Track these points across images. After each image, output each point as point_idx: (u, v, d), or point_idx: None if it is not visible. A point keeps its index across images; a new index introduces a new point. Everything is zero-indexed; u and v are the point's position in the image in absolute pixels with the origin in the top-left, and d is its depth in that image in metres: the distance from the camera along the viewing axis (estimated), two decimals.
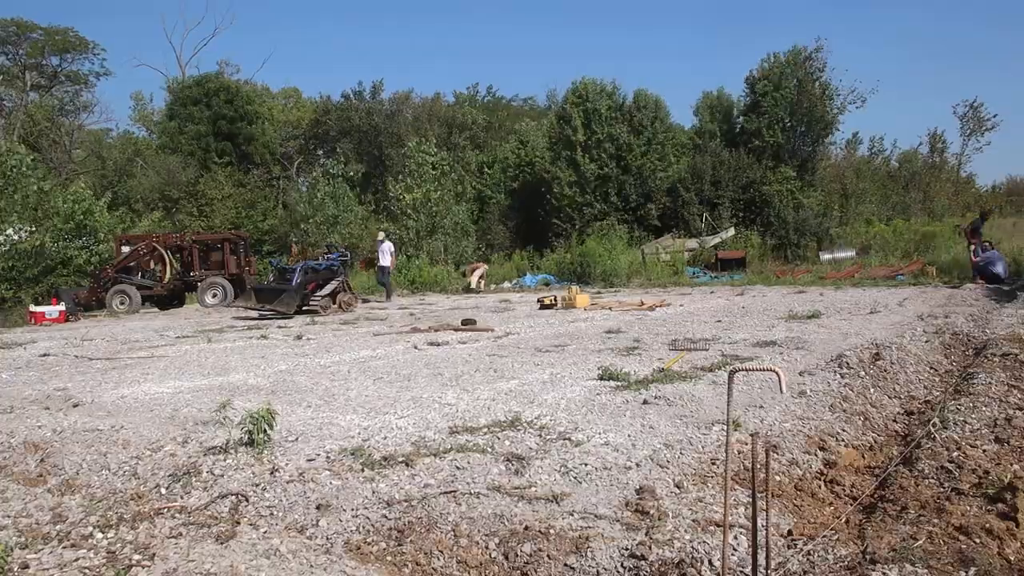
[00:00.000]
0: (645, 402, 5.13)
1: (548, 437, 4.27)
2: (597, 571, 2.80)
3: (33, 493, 3.54)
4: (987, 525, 3.07)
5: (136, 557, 2.75)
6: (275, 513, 3.24)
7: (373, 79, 44.14)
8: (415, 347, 8.78)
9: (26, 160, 20.11)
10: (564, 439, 4.21)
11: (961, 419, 4.79)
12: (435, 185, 28.42)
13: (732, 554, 2.81)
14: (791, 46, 30.40)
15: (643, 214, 30.18)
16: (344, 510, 3.24)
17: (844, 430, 4.67)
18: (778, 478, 3.78)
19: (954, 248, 23.24)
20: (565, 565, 2.84)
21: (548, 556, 2.88)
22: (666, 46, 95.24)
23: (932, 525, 3.11)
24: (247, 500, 3.37)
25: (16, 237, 18.69)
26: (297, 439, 4.33)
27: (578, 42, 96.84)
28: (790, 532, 3.15)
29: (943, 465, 3.89)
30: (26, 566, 2.66)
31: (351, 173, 32.59)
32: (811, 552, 2.91)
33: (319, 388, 6.10)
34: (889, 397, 5.76)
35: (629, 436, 4.24)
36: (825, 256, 24.71)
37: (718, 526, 3.03)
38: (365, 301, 17.72)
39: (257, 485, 3.53)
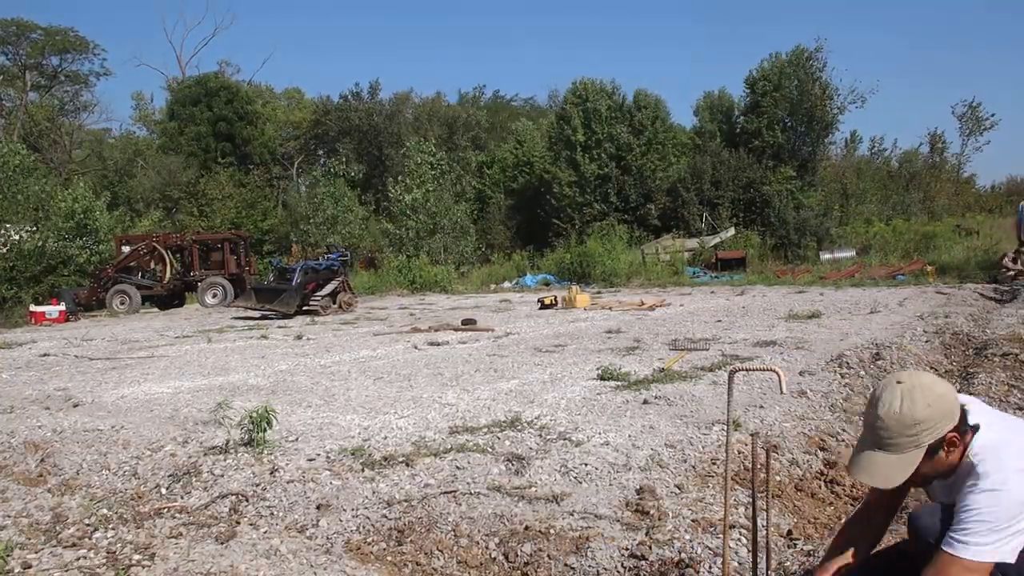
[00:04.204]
0: (645, 402, 5.13)
1: (548, 437, 4.27)
2: (597, 571, 2.80)
3: (33, 493, 3.54)
4: None
5: (136, 557, 2.75)
6: (275, 513, 3.24)
7: (372, 79, 44.21)
8: (415, 347, 8.78)
9: (27, 161, 20.13)
10: (564, 439, 4.21)
11: None
12: (434, 185, 28.42)
13: (732, 554, 2.81)
14: (792, 46, 30.42)
15: (643, 214, 30.19)
16: (344, 510, 3.24)
17: (844, 430, 4.66)
18: (778, 478, 3.78)
19: (953, 248, 23.26)
20: (565, 565, 2.84)
21: (548, 556, 2.88)
22: (666, 46, 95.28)
23: None
24: (247, 500, 3.37)
25: (17, 237, 18.70)
26: (297, 439, 4.33)
27: (579, 41, 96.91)
28: (790, 532, 3.14)
29: None
30: (27, 566, 2.66)
31: (352, 173, 32.54)
32: (811, 552, 2.91)
33: (319, 388, 6.10)
34: None
35: (629, 436, 4.24)
36: (825, 256, 24.71)
37: (718, 526, 3.03)
38: None
39: (257, 485, 3.53)
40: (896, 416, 1.97)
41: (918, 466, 2.00)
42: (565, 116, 31.67)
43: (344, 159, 34.01)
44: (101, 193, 25.70)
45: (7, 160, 19.08)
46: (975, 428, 2.07)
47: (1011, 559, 1.92)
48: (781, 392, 2.15)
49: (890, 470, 2.00)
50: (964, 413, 2.05)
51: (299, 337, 10.29)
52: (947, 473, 2.08)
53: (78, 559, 2.74)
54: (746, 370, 2.76)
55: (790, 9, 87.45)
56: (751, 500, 2.64)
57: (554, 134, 32.57)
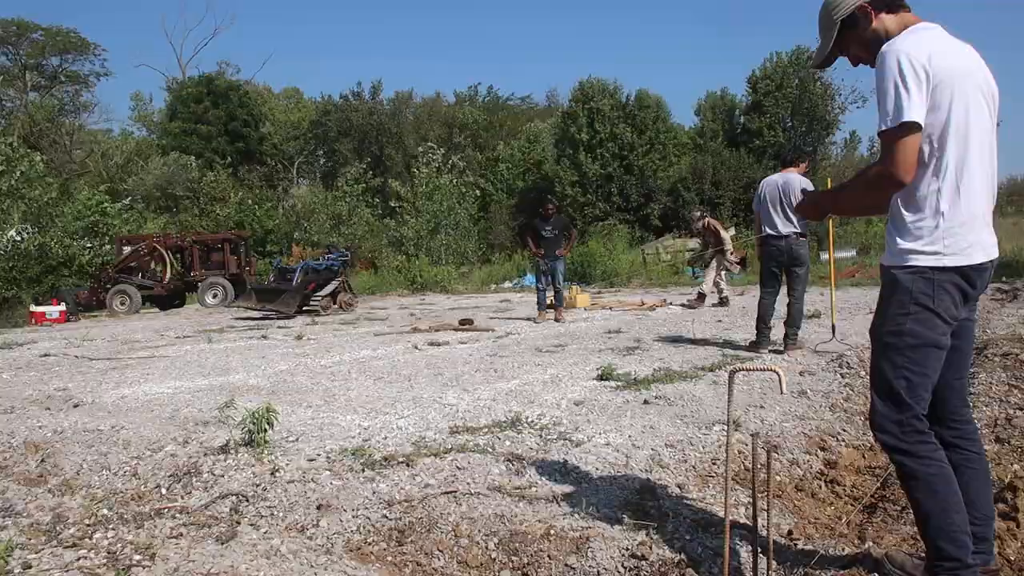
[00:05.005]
0: (645, 402, 5.13)
1: (548, 437, 4.27)
2: (598, 571, 2.80)
3: (33, 493, 3.54)
4: None
5: (137, 557, 2.75)
6: (275, 513, 3.24)
7: (373, 79, 44.18)
8: (415, 347, 8.78)
9: (38, 167, 20.10)
10: (564, 439, 4.21)
11: None
12: (440, 182, 28.55)
13: (732, 554, 2.81)
14: (793, 46, 30.45)
15: (644, 214, 30.20)
16: (344, 510, 3.24)
17: (845, 430, 4.66)
18: (779, 478, 3.78)
19: None
20: (566, 565, 2.84)
21: (548, 556, 2.88)
22: (666, 47, 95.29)
23: None
24: (247, 500, 3.37)
25: (19, 238, 18.70)
26: (297, 439, 4.33)
27: (578, 42, 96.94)
28: (791, 532, 3.14)
29: None
30: (28, 566, 2.66)
31: (366, 182, 32.51)
32: (811, 552, 2.91)
33: (319, 388, 6.10)
34: None
35: (630, 436, 4.24)
36: (824, 256, 24.72)
37: (719, 526, 3.03)
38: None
39: (257, 485, 3.53)
40: (820, 10, 2.43)
41: (849, 39, 2.40)
42: (572, 115, 31.70)
43: (365, 169, 33.88)
44: (120, 197, 25.72)
45: (17, 165, 19.04)
46: (900, 8, 2.38)
47: (920, 119, 2.16)
48: (781, 392, 2.16)
49: (818, 52, 2.50)
50: None
51: (299, 337, 10.29)
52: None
53: (78, 559, 2.74)
54: (746, 370, 2.76)
55: (790, 10, 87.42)
56: (751, 500, 2.65)
57: (558, 133, 32.61)
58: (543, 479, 3.59)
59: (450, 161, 30.11)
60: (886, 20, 2.34)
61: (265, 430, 4.08)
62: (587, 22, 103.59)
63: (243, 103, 37.15)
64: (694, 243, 27.10)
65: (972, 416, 2.55)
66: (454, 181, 29.49)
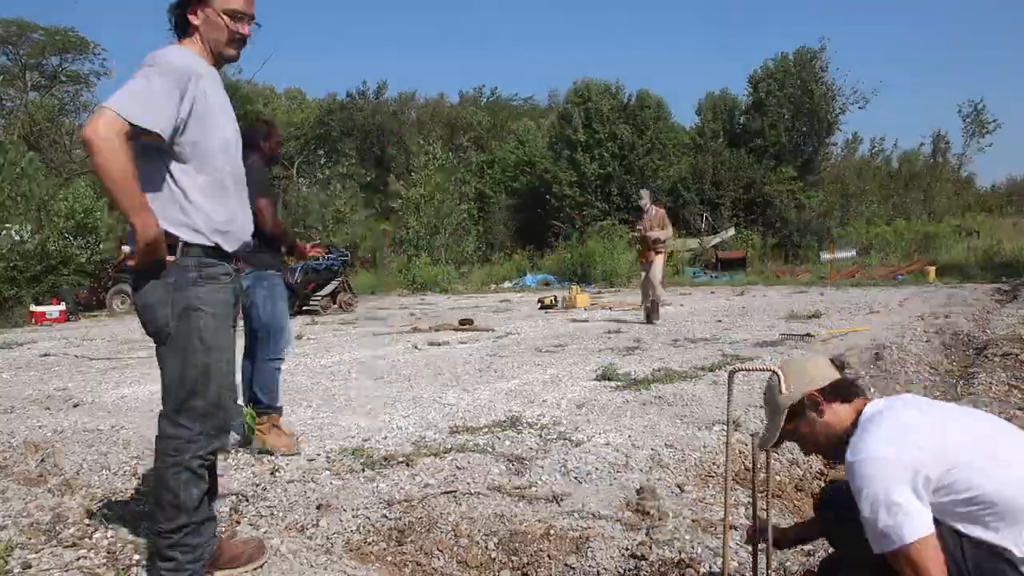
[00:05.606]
0: (645, 402, 5.13)
1: (548, 437, 4.27)
2: (597, 571, 2.80)
3: (33, 493, 3.54)
4: None
5: (136, 557, 2.75)
6: (275, 513, 3.24)
7: (376, 79, 44.10)
8: (415, 347, 8.78)
9: (36, 163, 20.09)
10: (564, 439, 4.21)
11: None
12: (439, 183, 28.52)
13: (732, 554, 2.81)
14: (795, 45, 30.49)
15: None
16: (344, 510, 3.24)
17: None
18: (778, 478, 3.78)
19: (954, 248, 23.25)
20: (565, 565, 2.84)
21: (548, 556, 2.88)
22: (666, 46, 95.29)
23: None
24: (247, 500, 3.37)
25: (19, 238, 18.67)
26: (297, 439, 4.33)
27: (580, 42, 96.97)
28: None
29: None
30: (28, 566, 2.66)
31: (359, 177, 32.52)
32: (811, 552, 2.91)
33: (319, 388, 6.10)
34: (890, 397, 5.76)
35: (629, 436, 4.24)
36: (825, 256, 24.74)
37: (719, 526, 3.03)
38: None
39: (257, 485, 3.53)
40: (766, 390, 2.32)
41: (801, 428, 2.21)
42: (566, 116, 31.70)
43: (354, 161, 34.00)
44: (103, 194, 25.64)
45: (16, 162, 19.01)
46: (854, 396, 2.23)
47: (925, 531, 1.79)
48: (780, 392, 2.18)
49: (766, 433, 2.30)
50: (846, 382, 2.28)
51: (299, 337, 10.29)
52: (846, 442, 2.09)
53: (78, 559, 2.74)
54: (746, 370, 2.77)
55: (792, 9, 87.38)
56: (751, 500, 2.65)
57: (555, 134, 32.59)
58: (543, 479, 3.59)
59: (445, 155, 30.12)
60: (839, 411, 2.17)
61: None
62: (587, 22, 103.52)
63: (239, 103, 37.18)
64: (694, 243, 27.10)
65: None
66: (448, 181, 29.47)
